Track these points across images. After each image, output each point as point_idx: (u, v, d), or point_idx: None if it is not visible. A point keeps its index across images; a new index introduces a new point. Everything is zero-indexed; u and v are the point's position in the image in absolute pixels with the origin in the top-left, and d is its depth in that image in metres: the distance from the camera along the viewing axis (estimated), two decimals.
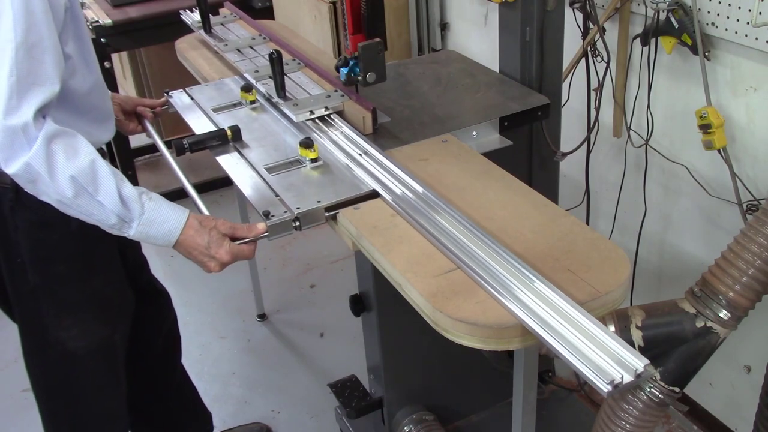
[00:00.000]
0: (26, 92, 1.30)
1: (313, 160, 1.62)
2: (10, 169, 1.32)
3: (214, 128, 1.81)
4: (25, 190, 1.37)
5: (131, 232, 1.42)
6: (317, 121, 1.80)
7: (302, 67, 2.06)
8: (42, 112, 1.34)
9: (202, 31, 2.35)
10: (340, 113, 1.83)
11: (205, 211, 1.54)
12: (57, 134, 1.34)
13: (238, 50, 2.21)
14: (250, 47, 2.22)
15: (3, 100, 1.28)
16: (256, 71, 2.02)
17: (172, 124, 3.75)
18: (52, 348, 1.68)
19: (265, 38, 2.27)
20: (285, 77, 1.87)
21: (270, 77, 1.89)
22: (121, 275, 1.76)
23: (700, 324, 1.55)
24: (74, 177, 1.34)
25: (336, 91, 1.87)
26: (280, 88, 1.85)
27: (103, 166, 1.38)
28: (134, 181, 1.95)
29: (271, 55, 1.80)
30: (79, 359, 1.70)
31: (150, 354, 2.01)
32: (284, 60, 1.91)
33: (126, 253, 1.80)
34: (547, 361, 2.28)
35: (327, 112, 1.82)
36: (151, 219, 1.42)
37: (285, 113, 1.84)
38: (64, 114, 1.44)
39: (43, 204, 1.41)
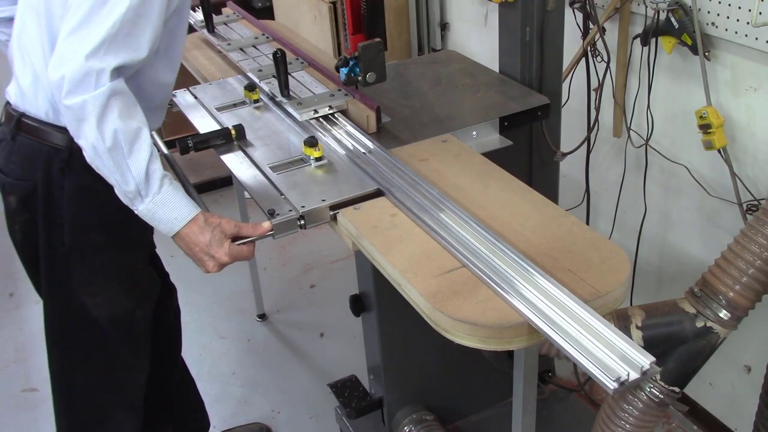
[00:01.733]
0: (118, 48, 1.36)
1: (318, 159, 1.62)
2: (68, 101, 1.35)
3: (218, 127, 1.82)
4: (67, 126, 1.40)
5: (140, 207, 1.43)
6: (321, 119, 1.81)
7: (306, 66, 2.07)
8: (120, 72, 1.38)
9: (205, 31, 2.36)
10: (344, 112, 1.84)
11: None
12: (123, 92, 1.39)
13: (242, 49, 2.21)
14: (254, 46, 2.23)
15: (96, 43, 1.34)
16: (260, 70, 2.02)
17: (173, 124, 3.74)
18: (76, 314, 1.69)
19: (268, 37, 2.28)
20: (289, 76, 1.88)
21: (273, 76, 1.90)
22: (148, 255, 1.80)
23: (700, 324, 1.55)
24: (117, 131, 1.37)
25: (339, 90, 1.88)
26: (284, 87, 1.86)
27: (147, 138, 1.42)
28: None
29: (275, 54, 1.81)
30: (100, 328, 1.71)
31: (154, 341, 2.01)
32: (288, 59, 1.91)
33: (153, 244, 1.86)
34: (547, 361, 2.28)
35: (331, 111, 1.82)
36: (164, 201, 1.43)
37: (289, 112, 1.84)
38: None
39: (88, 169, 1.45)
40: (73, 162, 1.53)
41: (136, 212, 1.45)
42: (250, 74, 2.04)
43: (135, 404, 1.89)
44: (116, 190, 1.44)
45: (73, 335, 1.75)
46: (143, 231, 1.70)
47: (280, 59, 1.81)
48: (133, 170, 1.40)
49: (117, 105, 1.37)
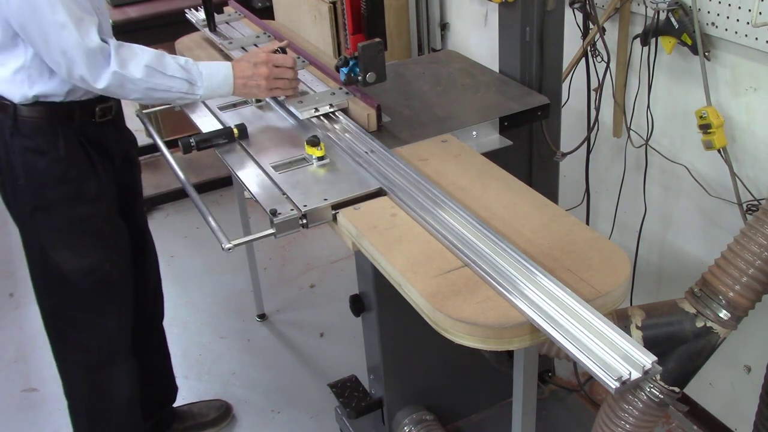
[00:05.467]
0: (84, 20, 1.57)
1: (320, 158, 1.63)
2: (101, 84, 1.60)
3: (220, 126, 1.82)
4: (115, 96, 1.68)
5: (201, 91, 1.69)
6: (322, 118, 1.81)
7: (307, 65, 2.08)
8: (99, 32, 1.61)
9: (207, 30, 2.38)
10: (345, 110, 1.84)
11: (207, 213, 1.55)
12: (119, 45, 1.62)
13: (243, 48, 2.22)
14: (255, 45, 2.23)
15: (74, 26, 1.54)
16: None
17: (173, 124, 3.76)
18: (51, 270, 1.83)
19: (269, 36, 2.29)
20: None
21: None
22: (112, 210, 1.88)
23: (700, 324, 1.56)
24: (148, 65, 1.63)
25: (340, 88, 1.88)
26: None
27: (159, 52, 1.67)
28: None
29: (275, 52, 1.82)
30: (73, 282, 1.84)
31: (138, 299, 2.08)
32: None
33: (135, 210, 2.04)
34: (547, 361, 2.28)
35: (332, 110, 1.82)
36: (208, 74, 1.70)
37: (291, 111, 1.84)
38: None
39: (36, 131, 1.70)
40: (19, 126, 1.70)
41: (198, 99, 1.72)
42: None
43: (121, 359, 2.00)
44: (182, 99, 1.70)
45: (52, 290, 1.88)
46: (101, 186, 1.82)
47: None
48: (178, 75, 1.65)
49: (126, 53, 1.61)
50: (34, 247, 1.84)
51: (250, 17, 2.45)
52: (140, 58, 1.63)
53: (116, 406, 2.04)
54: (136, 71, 1.61)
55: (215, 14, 2.39)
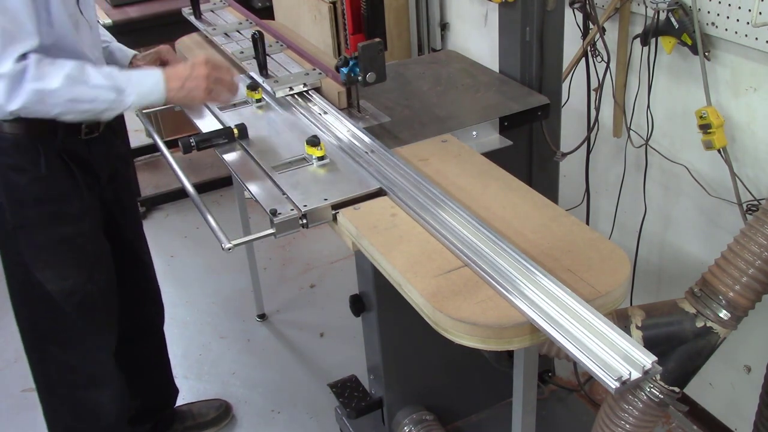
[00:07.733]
0: (8, 46, 1.48)
1: (320, 158, 1.63)
2: (15, 105, 1.49)
3: (220, 126, 1.82)
4: (36, 114, 1.54)
5: (131, 99, 1.60)
6: (296, 96, 1.91)
7: (284, 48, 2.18)
8: (25, 56, 1.51)
9: (192, 17, 2.49)
10: (318, 90, 1.94)
11: (207, 213, 1.55)
12: (40, 59, 1.52)
13: (226, 34, 2.32)
14: (237, 31, 2.33)
15: None
16: (241, 52, 2.13)
17: (173, 124, 3.76)
18: (33, 289, 1.80)
19: (251, 23, 2.38)
20: (267, 57, 2.00)
21: (254, 57, 2.00)
22: (96, 228, 1.85)
23: (700, 324, 1.56)
24: (68, 75, 1.53)
25: (314, 69, 1.99)
26: (262, 67, 1.97)
27: (82, 62, 1.57)
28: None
29: (253, 36, 1.91)
30: (55, 303, 1.81)
31: (129, 313, 2.06)
32: (268, 42, 2.04)
33: (122, 225, 1.98)
34: (547, 361, 2.28)
35: (305, 89, 1.93)
36: (138, 80, 1.62)
37: (292, 111, 1.87)
38: None
39: (16, 149, 1.64)
40: (0, 142, 1.65)
41: (128, 108, 1.61)
42: (231, 56, 2.13)
43: (108, 379, 1.97)
44: (110, 110, 1.59)
45: (34, 309, 1.85)
46: (84, 205, 1.79)
47: (258, 40, 1.92)
48: (102, 83, 1.56)
49: (45, 64, 1.51)
50: (17, 265, 1.79)
51: (233, 5, 2.54)
52: (60, 69, 1.53)
53: (102, 426, 2.00)
54: (54, 82, 1.51)
55: (201, 3, 2.52)
